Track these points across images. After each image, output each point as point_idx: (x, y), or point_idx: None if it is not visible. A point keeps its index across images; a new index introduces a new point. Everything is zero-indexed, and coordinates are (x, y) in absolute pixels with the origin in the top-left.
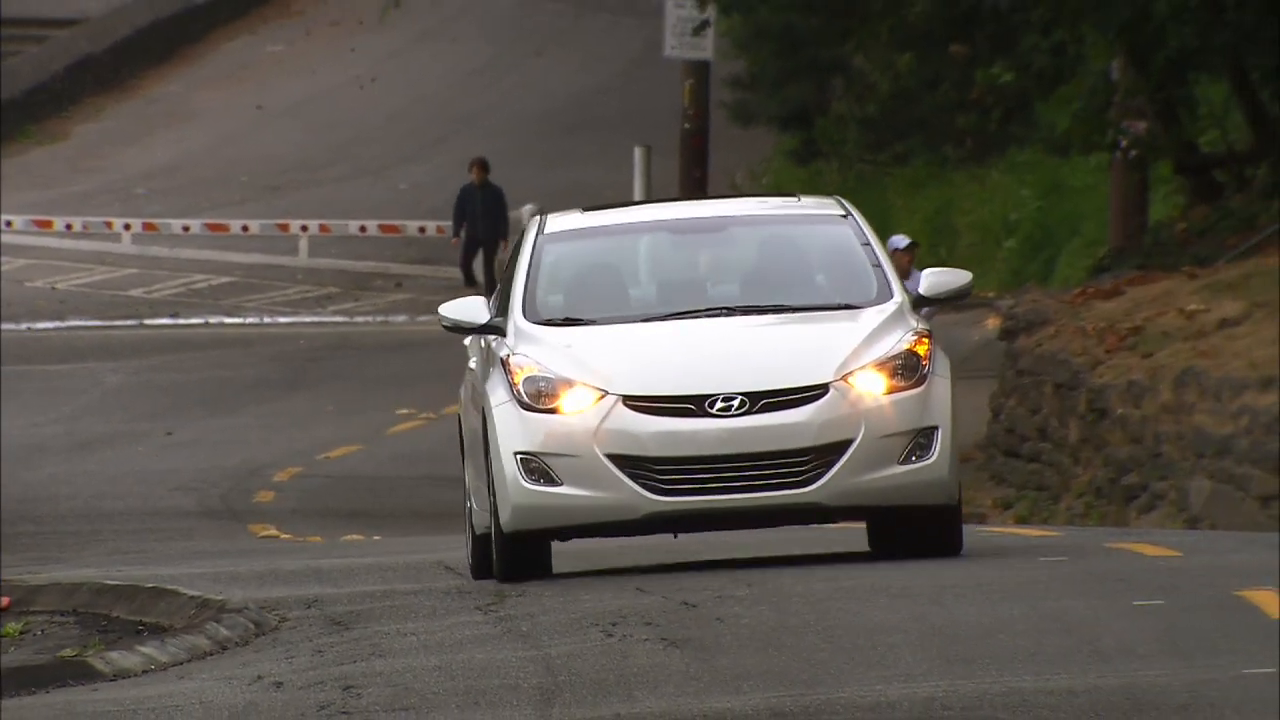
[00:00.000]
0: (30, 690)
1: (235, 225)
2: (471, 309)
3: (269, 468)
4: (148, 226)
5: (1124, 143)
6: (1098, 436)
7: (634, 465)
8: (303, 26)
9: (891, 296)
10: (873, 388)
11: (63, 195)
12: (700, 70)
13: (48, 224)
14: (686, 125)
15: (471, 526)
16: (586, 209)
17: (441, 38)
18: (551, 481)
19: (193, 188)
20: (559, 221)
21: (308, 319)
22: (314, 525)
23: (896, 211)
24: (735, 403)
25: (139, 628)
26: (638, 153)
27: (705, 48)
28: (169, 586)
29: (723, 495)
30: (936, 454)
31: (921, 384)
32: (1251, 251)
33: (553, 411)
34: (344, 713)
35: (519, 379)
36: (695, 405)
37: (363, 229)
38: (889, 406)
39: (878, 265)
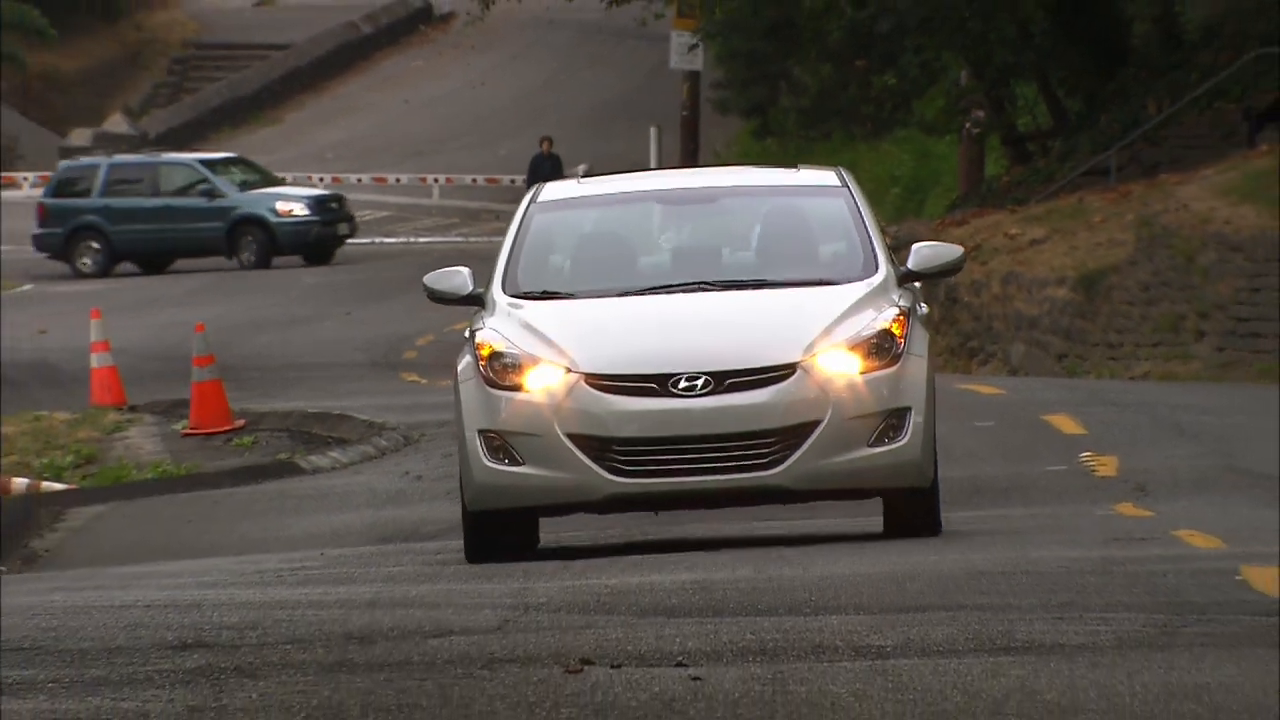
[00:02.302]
0: (258, 480)
1: (390, 178)
2: (455, 280)
3: (413, 336)
4: (335, 179)
5: (969, 125)
6: (951, 316)
7: (595, 446)
8: (435, 49)
9: (877, 271)
10: (843, 367)
11: (279, 159)
12: (693, 77)
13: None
14: (684, 113)
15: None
16: (584, 177)
17: (524, 58)
18: (514, 461)
19: (363, 154)
20: (553, 190)
21: (438, 239)
22: (443, 374)
23: None
24: (699, 382)
25: (329, 440)
26: (652, 131)
27: (697, 62)
28: (349, 413)
29: (685, 477)
30: (909, 436)
31: (895, 363)
32: (1050, 196)
33: (516, 389)
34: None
35: (485, 354)
36: (659, 385)
37: (474, 181)
38: (860, 387)
39: (867, 239)
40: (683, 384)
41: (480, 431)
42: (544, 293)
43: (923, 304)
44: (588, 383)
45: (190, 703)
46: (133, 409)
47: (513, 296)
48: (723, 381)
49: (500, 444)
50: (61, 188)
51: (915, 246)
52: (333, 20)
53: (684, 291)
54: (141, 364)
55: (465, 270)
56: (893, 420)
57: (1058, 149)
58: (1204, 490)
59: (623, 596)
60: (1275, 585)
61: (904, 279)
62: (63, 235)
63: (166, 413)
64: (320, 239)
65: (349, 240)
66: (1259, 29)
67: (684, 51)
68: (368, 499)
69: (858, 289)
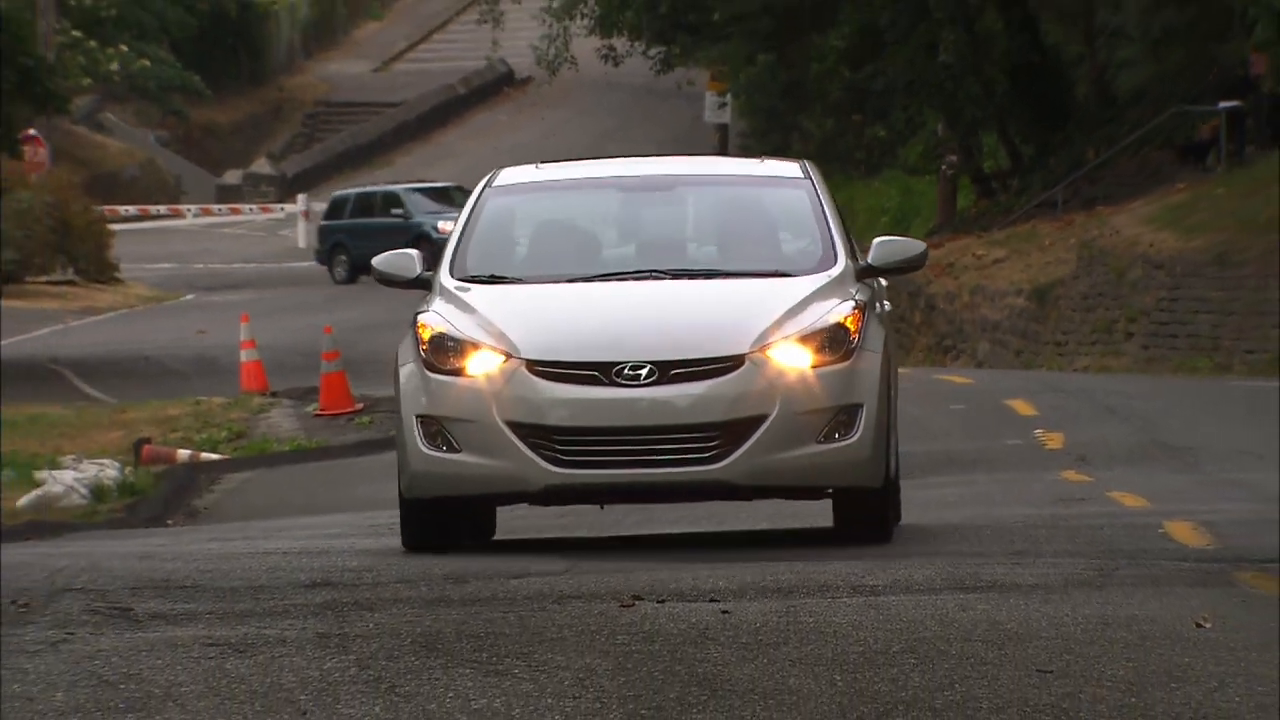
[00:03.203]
0: (374, 452)
1: None
2: (403, 262)
3: None
4: None
5: (944, 167)
6: (930, 320)
7: (534, 434)
8: (516, 107)
9: (835, 264)
10: (793, 361)
11: None
12: (723, 128)
13: None
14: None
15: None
16: (542, 164)
17: (588, 114)
18: (451, 448)
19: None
20: (510, 175)
21: None
22: None
23: None
24: (644, 372)
25: None
26: None
27: (726, 116)
28: None
29: (626, 469)
30: (860, 433)
31: (848, 359)
32: (1009, 224)
33: (457, 374)
34: None
35: (426, 338)
36: (602, 373)
37: None
38: (810, 381)
39: (827, 231)
40: (626, 373)
41: (418, 416)
42: (491, 277)
43: (886, 301)
44: (529, 369)
45: (319, 630)
46: (274, 395)
47: (460, 280)
48: (667, 372)
49: (438, 430)
50: (330, 212)
51: (876, 241)
52: (435, 83)
53: (636, 279)
54: (283, 358)
55: (415, 253)
56: (843, 417)
57: (1015, 186)
58: (1133, 460)
59: (666, 547)
60: (1190, 536)
61: (865, 273)
62: (326, 250)
63: (301, 398)
64: None
65: None
66: (1177, 91)
67: (715, 108)
68: None
69: (814, 281)
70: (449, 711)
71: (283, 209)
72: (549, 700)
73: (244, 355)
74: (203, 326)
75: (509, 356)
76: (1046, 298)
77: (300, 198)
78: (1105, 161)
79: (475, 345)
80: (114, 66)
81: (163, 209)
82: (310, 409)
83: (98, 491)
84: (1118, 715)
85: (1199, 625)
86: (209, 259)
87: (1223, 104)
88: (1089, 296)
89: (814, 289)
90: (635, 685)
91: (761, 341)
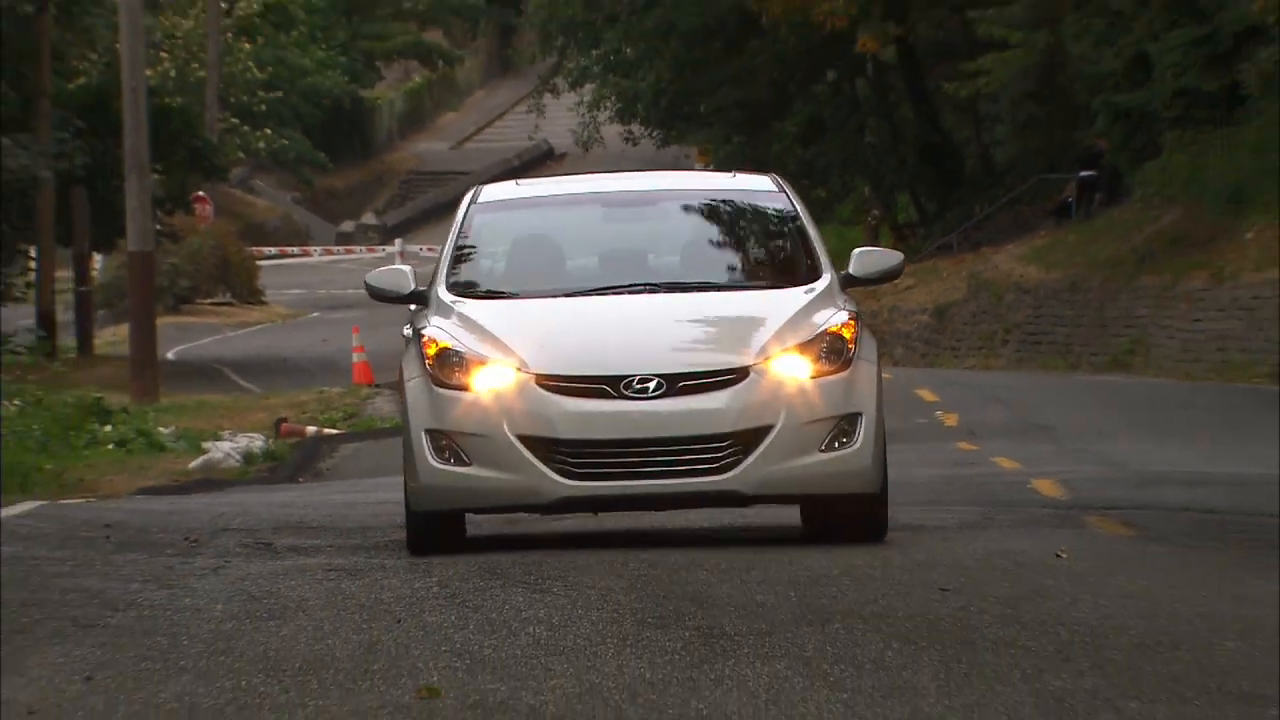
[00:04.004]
0: None
1: None
2: (397, 278)
3: None
4: None
5: (870, 219)
6: None
7: (545, 448)
8: (572, 169)
9: (820, 275)
10: (795, 372)
11: None
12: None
13: None
14: None
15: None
16: (521, 180)
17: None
18: (461, 461)
19: None
20: (493, 191)
21: None
22: None
23: None
24: (651, 385)
25: None
26: None
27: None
28: None
29: (636, 480)
30: (860, 441)
31: (846, 368)
32: (918, 262)
33: (464, 389)
34: None
35: (432, 353)
36: (610, 386)
37: None
38: (812, 392)
39: (808, 244)
40: (635, 386)
41: (427, 431)
42: (488, 291)
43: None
44: (538, 383)
45: (410, 559)
46: (377, 387)
47: (456, 295)
48: (675, 384)
49: (447, 444)
50: None
51: (856, 252)
52: (496, 158)
53: (630, 293)
54: (382, 360)
55: (407, 269)
56: (844, 426)
57: (922, 233)
58: (1009, 434)
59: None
60: (1051, 489)
61: (846, 283)
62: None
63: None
64: None
65: None
66: (1040, 164)
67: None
68: None
69: (806, 292)
70: (505, 619)
71: (384, 250)
72: (579, 611)
73: (355, 357)
74: (325, 336)
75: (518, 370)
76: (945, 315)
77: (397, 241)
78: (988, 215)
79: (482, 360)
80: (261, 145)
81: (296, 250)
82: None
83: (248, 457)
84: (998, 623)
85: (1058, 556)
86: (330, 287)
87: (1082, 173)
88: (976, 314)
89: (807, 300)
90: (643, 600)
91: (765, 353)
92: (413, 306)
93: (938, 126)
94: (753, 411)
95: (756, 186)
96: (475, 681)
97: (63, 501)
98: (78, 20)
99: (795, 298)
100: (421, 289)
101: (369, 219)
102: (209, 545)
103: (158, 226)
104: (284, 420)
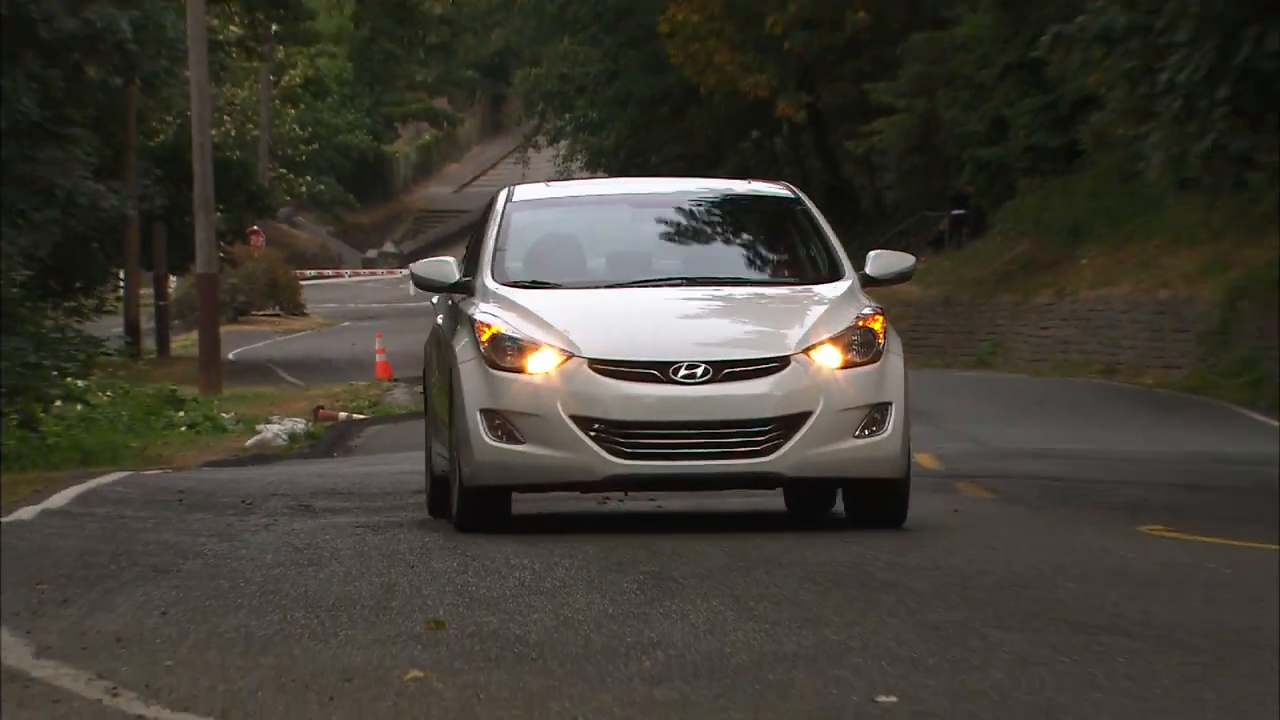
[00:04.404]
0: None
1: None
2: (442, 269)
3: None
4: None
5: None
6: None
7: (596, 427)
8: None
9: (843, 275)
10: (831, 362)
11: None
12: None
13: None
14: None
15: (430, 469)
16: (551, 180)
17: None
18: (514, 439)
19: None
20: (526, 191)
21: None
22: None
23: None
24: (699, 371)
25: None
26: None
27: None
28: None
29: (683, 461)
30: (890, 429)
31: (877, 360)
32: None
33: (519, 371)
34: None
35: (486, 337)
36: (660, 371)
37: None
38: (846, 381)
39: (827, 245)
40: (683, 372)
41: (482, 410)
42: (532, 282)
43: None
44: (591, 367)
45: (421, 518)
46: (395, 381)
47: (502, 285)
48: (721, 371)
49: (501, 423)
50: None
51: (871, 254)
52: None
53: (670, 285)
54: (400, 360)
55: (451, 260)
56: (876, 414)
57: None
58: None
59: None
60: (931, 463)
61: (865, 283)
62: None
63: (412, 382)
64: None
65: None
66: (921, 204)
67: None
68: None
69: (834, 289)
70: (497, 565)
71: (400, 272)
72: (557, 559)
73: (378, 358)
74: (354, 340)
75: (570, 356)
76: None
77: (410, 265)
78: (881, 245)
79: (536, 345)
80: (303, 189)
81: (330, 272)
82: (418, 389)
83: (292, 437)
84: (887, 568)
85: (955, 512)
86: (358, 301)
87: (954, 211)
88: None
89: (836, 295)
90: (605, 551)
91: (804, 343)
92: (451, 296)
93: (839, 175)
94: (793, 398)
95: (774, 192)
96: (473, 615)
97: (144, 472)
98: (158, 90)
99: (825, 294)
100: (466, 279)
101: (389, 248)
102: (261, 507)
103: (220, 254)
104: (321, 408)
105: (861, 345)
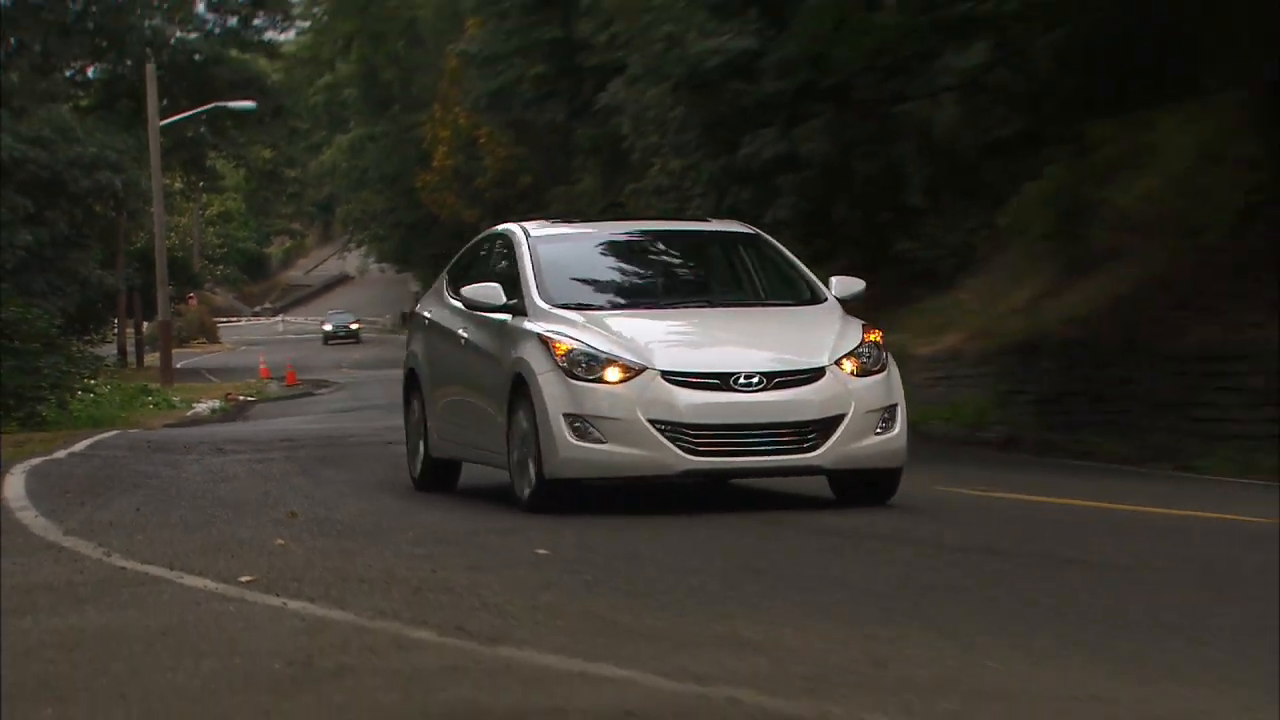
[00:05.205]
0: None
1: None
2: (491, 293)
3: None
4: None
5: None
6: None
7: (672, 429)
8: (356, 287)
9: (825, 297)
10: (853, 371)
11: None
12: None
13: None
14: None
15: (426, 449)
16: (554, 219)
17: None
18: (596, 440)
19: None
20: (540, 229)
21: None
22: None
23: None
24: (755, 380)
25: None
26: None
27: None
28: None
29: (744, 457)
30: (898, 427)
31: (884, 369)
32: None
33: (598, 381)
34: None
35: (562, 351)
36: (722, 381)
37: None
38: (866, 387)
39: (801, 270)
40: (741, 381)
41: (565, 415)
42: (579, 304)
43: None
44: (664, 378)
45: (288, 454)
46: (269, 379)
47: (553, 306)
48: (772, 380)
49: (583, 425)
50: None
51: (834, 279)
52: (327, 274)
53: (696, 306)
54: (276, 368)
55: (498, 286)
56: (887, 414)
57: None
58: None
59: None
60: None
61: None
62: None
63: (282, 380)
64: None
65: None
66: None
67: None
68: None
69: (827, 309)
70: (330, 480)
71: (276, 319)
72: (368, 476)
73: (261, 366)
74: (251, 355)
75: (645, 368)
76: None
77: (280, 315)
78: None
79: (613, 359)
80: (219, 272)
81: (235, 319)
82: (283, 384)
83: (213, 410)
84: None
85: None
86: (250, 335)
87: None
88: None
89: (836, 314)
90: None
91: (835, 355)
92: (476, 315)
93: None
94: (830, 403)
95: (738, 229)
96: (314, 510)
97: (129, 431)
98: (136, 218)
99: (826, 313)
100: (512, 300)
101: (267, 305)
102: (194, 449)
103: (172, 309)
104: (230, 394)
105: (870, 356)
